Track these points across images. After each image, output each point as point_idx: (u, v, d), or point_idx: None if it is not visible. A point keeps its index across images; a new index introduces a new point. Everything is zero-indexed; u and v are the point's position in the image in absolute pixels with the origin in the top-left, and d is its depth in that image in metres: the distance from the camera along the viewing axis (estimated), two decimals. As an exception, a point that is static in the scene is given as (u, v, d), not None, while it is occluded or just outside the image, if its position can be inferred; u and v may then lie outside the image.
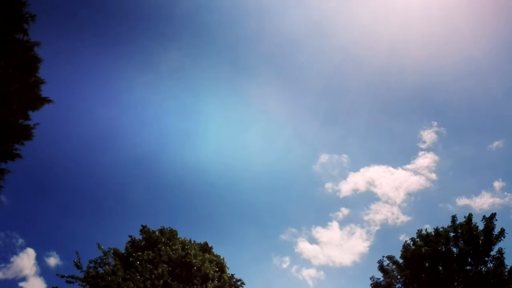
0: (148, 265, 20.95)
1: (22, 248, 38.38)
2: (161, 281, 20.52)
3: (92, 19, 48.47)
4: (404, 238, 46.86)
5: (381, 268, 22.30)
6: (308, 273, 47.34)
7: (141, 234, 24.20)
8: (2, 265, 36.60)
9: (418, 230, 22.59)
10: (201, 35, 54.71)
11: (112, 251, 22.19)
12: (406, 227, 48.53)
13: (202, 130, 55.13)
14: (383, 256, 22.58)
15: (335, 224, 50.65)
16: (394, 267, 22.10)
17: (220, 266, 24.00)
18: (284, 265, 48.31)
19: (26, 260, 37.51)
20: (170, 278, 20.38)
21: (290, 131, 57.95)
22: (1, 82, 14.10)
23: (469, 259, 21.31)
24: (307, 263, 51.77)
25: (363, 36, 56.53)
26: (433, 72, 55.85)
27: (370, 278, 22.53)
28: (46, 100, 15.25)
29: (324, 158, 54.72)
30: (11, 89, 14.27)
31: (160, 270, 20.74)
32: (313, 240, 51.62)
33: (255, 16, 54.54)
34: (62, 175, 46.20)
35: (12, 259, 37.21)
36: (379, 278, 22.32)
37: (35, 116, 16.18)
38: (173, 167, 51.91)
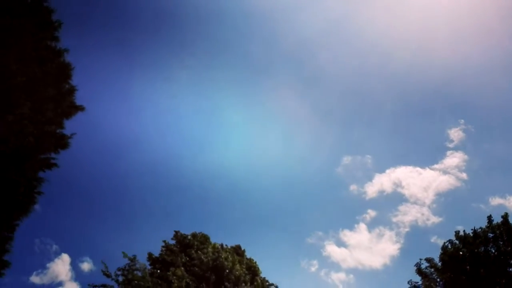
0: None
1: (57, 254, 39.21)
2: (184, 282, 20.38)
3: (110, 32, 48.80)
4: (436, 239, 45.76)
5: (419, 271, 21.58)
6: (337, 277, 46.55)
7: (173, 239, 24.45)
8: (39, 271, 37.70)
9: (455, 232, 21.79)
10: (217, 40, 54.26)
11: (138, 260, 22.34)
12: (438, 228, 47.19)
13: (223, 136, 54.92)
14: (420, 259, 21.85)
15: (362, 226, 49.74)
16: (432, 270, 21.40)
17: (253, 270, 23.83)
18: (313, 269, 47.61)
19: (61, 266, 38.31)
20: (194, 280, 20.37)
21: (312, 133, 57.06)
22: (37, 87, 14.05)
23: (510, 260, 20.50)
24: (335, 267, 51.15)
25: (384, 34, 55.26)
26: (458, 68, 54.16)
27: (408, 282, 21.82)
28: (80, 108, 15.24)
29: (347, 159, 53.72)
30: (46, 95, 14.21)
31: (179, 272, 20.64)
32: (341, 243, 50.90)
33: (272, 17, 53.83)
34: (92, 181, 46.76)
35: (48, 265, 38.15)
36: (417, 282, 21.65)
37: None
38: (197, 174, 51.87)
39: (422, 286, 21.37)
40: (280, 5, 53.53)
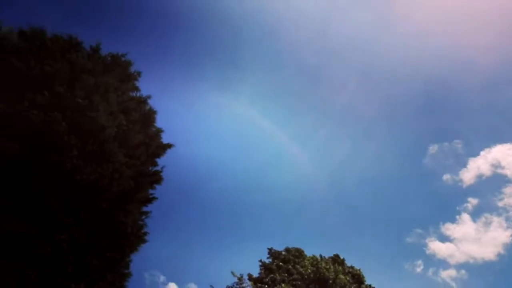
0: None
1: (165, 284, 42.07)
2: None
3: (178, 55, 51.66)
4: (554, 218, 40.77)
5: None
6: (447, 274, 42.96)
7: (269, 257, 24.91)
8: (154, 301, 40.46)
9: None
10: (270, 59, 54.42)
11: (245, 277, 23.04)
12: (553, 205, 41.87)
13: (293, 151, 54.60)
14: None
15: (465, 217, 45.76)
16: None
17: (357, 278, 23.22)
18: (418, 270, 44.49)
19: (170, 295, 40.91)
20: None
21: (388, 130, 54.36)
22: (127, 135, 15.50)
23: None
24: (443, 264, 47.27)
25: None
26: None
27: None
28: (168, 146, 16.59)
29: (433, 148, 50.11)
30: (136, 141, 15.62)
31: (286, 287, 20.84)
32: (444, 238, 47.25)
33: (323, 22, 52.91)
34: (182, 208, 49.35)
35: (158, 295, 41.01)
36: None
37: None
38: (277, 189, 51.91)
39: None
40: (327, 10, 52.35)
